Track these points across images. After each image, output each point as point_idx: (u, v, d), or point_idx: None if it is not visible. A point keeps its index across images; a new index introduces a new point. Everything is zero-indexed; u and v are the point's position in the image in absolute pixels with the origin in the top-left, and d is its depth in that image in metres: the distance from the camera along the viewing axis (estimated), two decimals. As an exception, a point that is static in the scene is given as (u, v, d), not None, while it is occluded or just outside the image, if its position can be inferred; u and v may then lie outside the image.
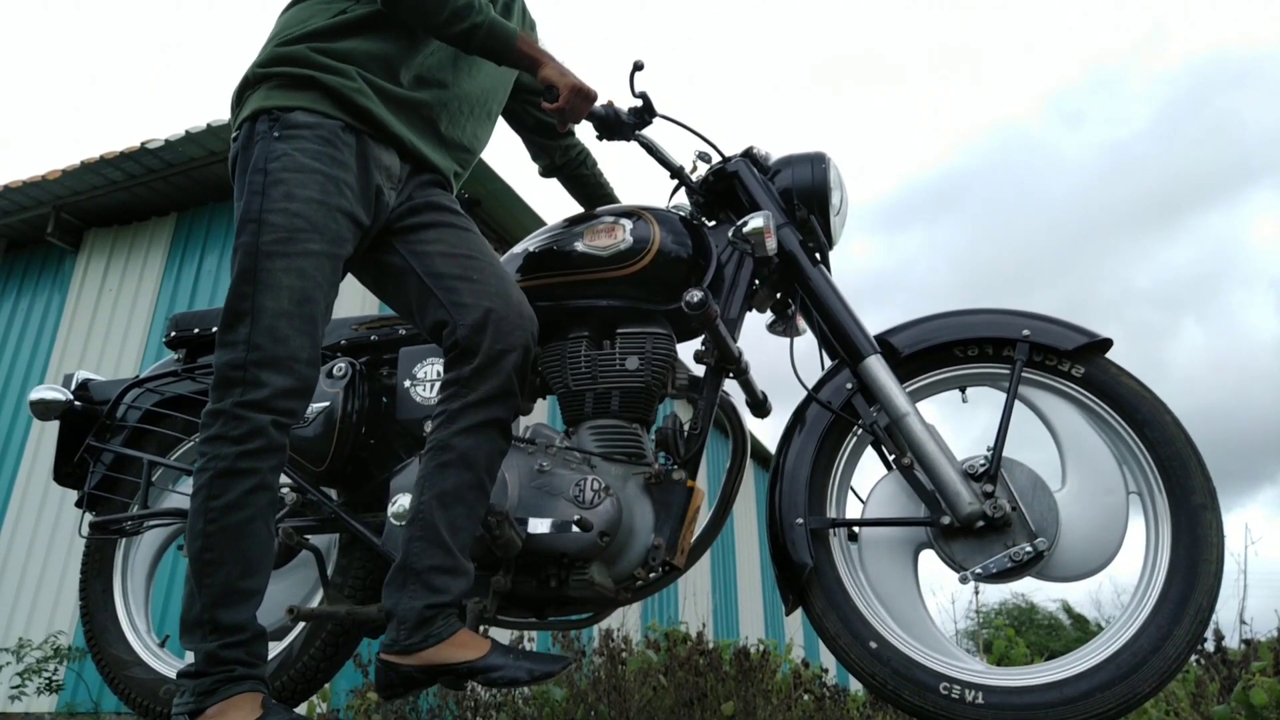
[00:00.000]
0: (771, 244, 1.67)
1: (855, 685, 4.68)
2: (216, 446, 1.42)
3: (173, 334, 2.17)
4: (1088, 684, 1.45)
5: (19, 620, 5.28)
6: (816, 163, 1.85)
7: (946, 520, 1.57)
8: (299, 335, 1.47)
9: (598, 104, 1.74)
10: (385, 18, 1.65)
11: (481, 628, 1.65)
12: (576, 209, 2.11)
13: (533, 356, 1.62)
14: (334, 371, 1.90)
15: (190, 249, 5.99)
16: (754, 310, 1.88)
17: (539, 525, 1.63)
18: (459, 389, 1.56)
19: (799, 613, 1.66)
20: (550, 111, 1.67)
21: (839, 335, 1.71)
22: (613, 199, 2.17)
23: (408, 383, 1.87)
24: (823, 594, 1.63)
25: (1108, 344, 1.62)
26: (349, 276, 1.69)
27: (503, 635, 4.48)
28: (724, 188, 1.88)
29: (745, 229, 1.66)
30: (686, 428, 1.73)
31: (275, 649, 1.97)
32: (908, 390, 1.67)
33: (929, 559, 1.64)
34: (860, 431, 1.73)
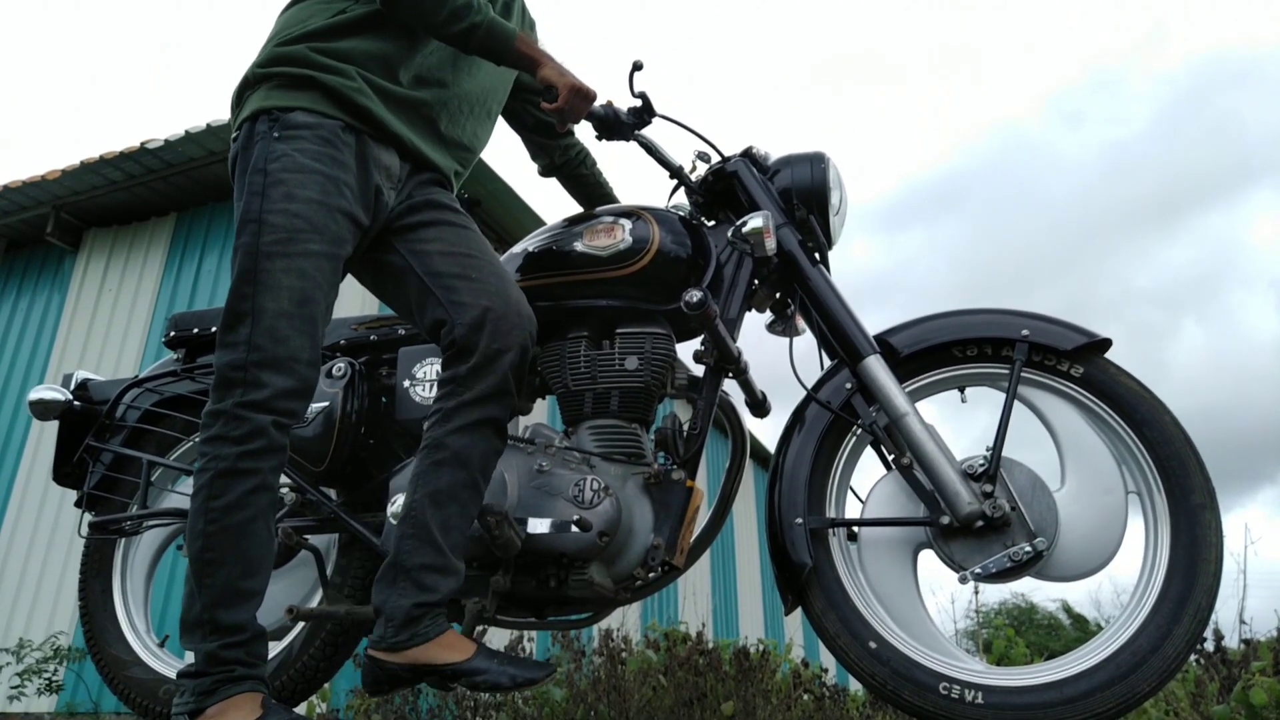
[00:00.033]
0: (771, 244, 1.67)
1: (855, 685, 4.67)
2: (217, 447, 1.42)
3: (172, 334, 2.17)
4: (1087, 684, 1.45)
5: (19, 620, 5.28)
6: (816, 163, 1.85)
7: (946, 520, 1.57)
8: (299, 336, 1.47)
9: (597, 104, 1.74)
10: (384, 17, 1.65)
11: (479, 628, 1.65)
12: (576, 209, 2.11)
13: (530, 356, 1.61)
14: (333, 371, 1.90)
15: (190, 249, 5.99)
16: (753, 310, 1.88)
17: (538, 525, 1.63)
18: (455, 387, 1.56)
19: (799, 613, 1.66)
20: (549, 112, 1.67)
21: (838, 335, 1.71)
22: (612, 199, 2.17)
23: (407, 383, 1.87)
24: (822, 594, 1.63)
25: (1107, 344, 1.62)
26: (349, 277, 1.69)
27: (503, 635, 4.48)
28: (723, 188, 1.88)
29: (744, 229, 1.66)
30: (686, 428, 1.73)
31: (275, 649, 1.98)
32: (907, 390, 1.67)
33: (928, 559, 1.65)
34: (859, 431, 1.73)
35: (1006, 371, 1.64)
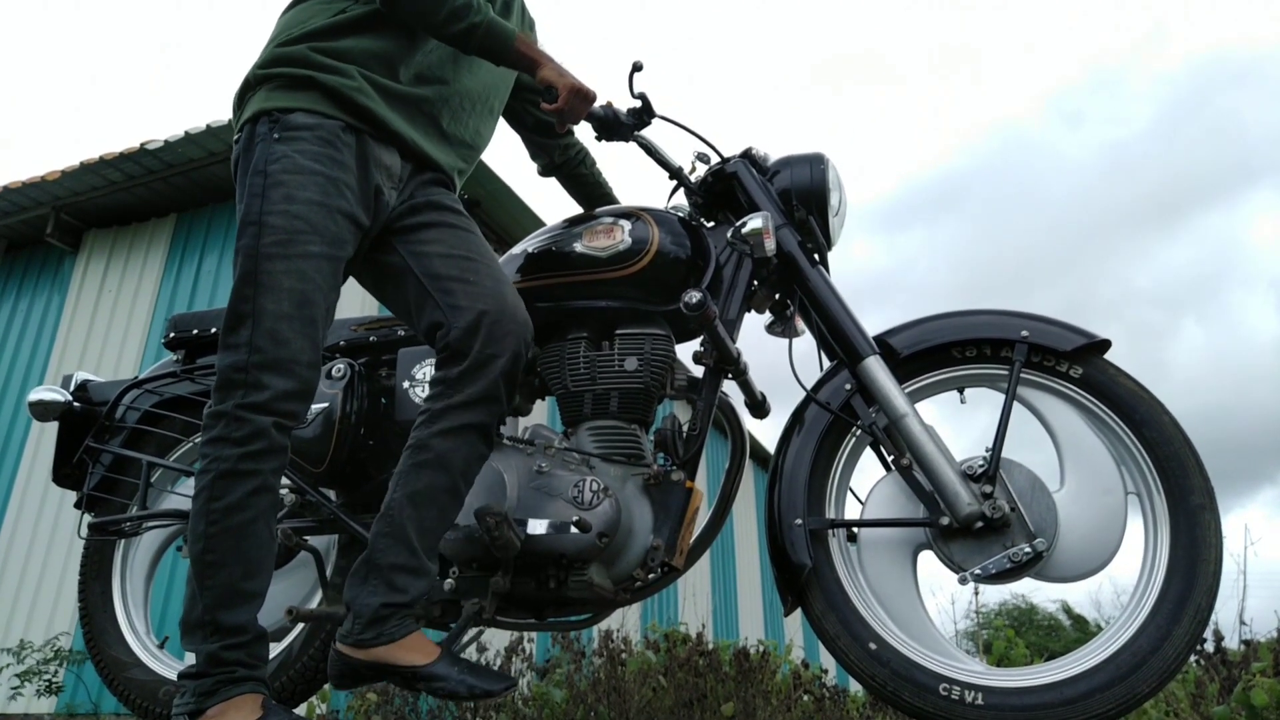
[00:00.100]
0: (770, 245, 1.67)
1: (855, 686, 4.67)
2: (218, 448, 1.42)
3: (172, 335, 2.17)
4: (1087, 685, 1.45)
5: (19, 621, 5.28)
6: (815, 163, 1.85)
7: (945, 521, 1.57)
8: (300, 338, 1.47)
9: (596, 105, 1.74)
10: (384, 16, 1.66)
11: (479, 629, 1.65)
12: (576, 209, 2.11)
13: (524, 362, 1.61)
14: (333, 373, 1.90)
15: (190, 250, 5.99)
16: (753, 311, 1.88)
17: (538, 526, 1.63)
18: (445, 389, 1.56)
19: (798, 613, 1.66)
20: (549, 112, 1.67)
21: (838, 336, 1.71)
22: (611, 199, 2.17)
23: (406, 384, 1.88)
24: (822, 595, 1.63)
25: (1106, 345, 1.62)
26: (349, 279, 1.69)
27: (503, 636, 4.48)
28: (723, 188, 1.88)
29: (744, 230, 1.66)
30: (685, 428, 1.73)
31: (275, 650, 1.98)
32: (906, 391, 1.67)
33: (928, 560, 1.65)
34: (859, 432, 1.73)
35: (1006, 372, 1.64)
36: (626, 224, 1.80)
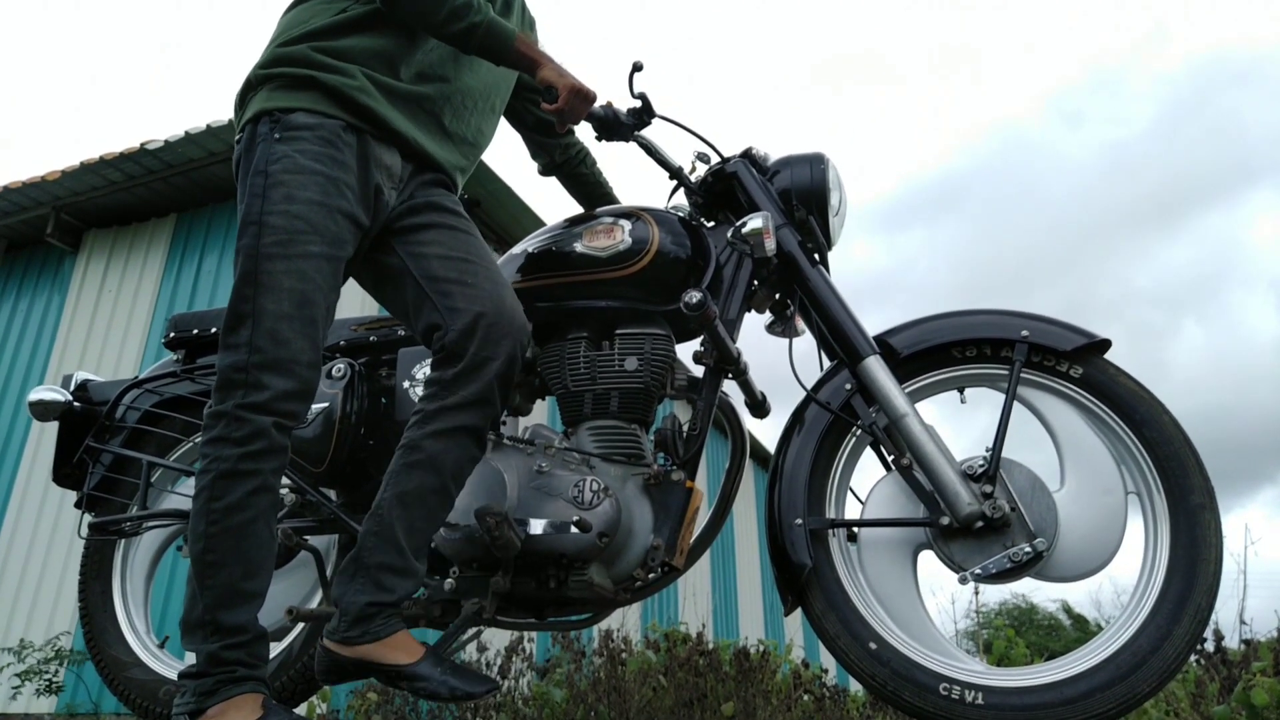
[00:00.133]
0: (770, 245, 1.67)
1: (855, 686, 4.68)
2: (219, 448, 1.42)
3: (172, 335, 2.17)
4: (1087, 684, 1.45)
5: (19, 621, 5.28)
6: (815, 163, 1.85)
7: (945, 521, 1.57)
8: (300, 338, 1.47)
9: (596, 105, 1.74)
10: (385, 15, 1.66)
11: (478, 629, 1.65)
12: (576, 209, 2.11)
13: (519, 366, 1.61)
14: (333, 372, 1.90)
15: (190, 250, 5.99)
16: (753, 311, 1.88)
17: (538, 526, 1.63)
18: (439, 390, 1.56)
19: (799, 613, 1.66)
20: (549, 112, 1.67)
21: (838, 336, 1.71)
22: (612, 198, 2.17)
23: (406, 383, 1.88)
24: (822, 594, 1.63)
25: (1106, 344, 1.62)
26: (349, 279, 1.69)
27: (503, 636, 4.48)
28: (723, 188, 1.88)
29: (744, 230, 1.66)
30: (685, 428, 1.73)
31: (275, 649, 1.98)
32: (907, 391, 1.67)
33: (928, 559, 1.65)
34: (859, 432, 1.73)
35: (1006, 372, 1.64)
36: (627, 224, 1.80)
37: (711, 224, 1.92)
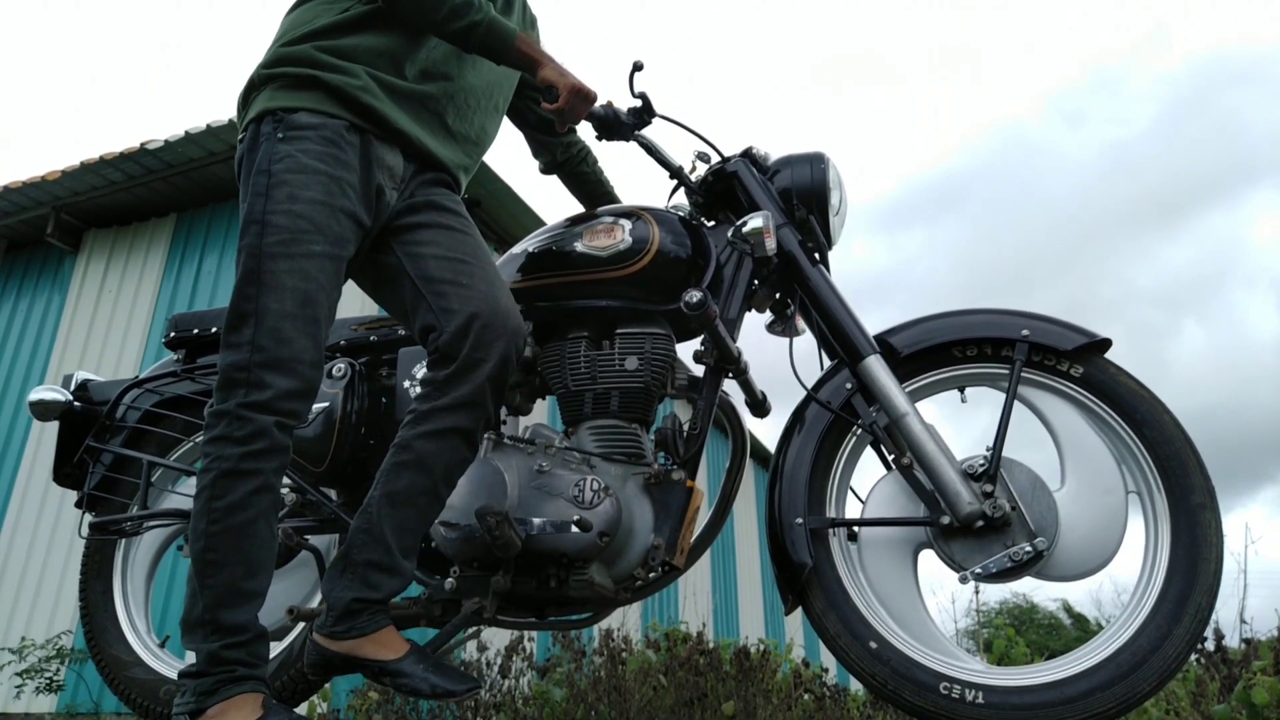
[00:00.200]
0: (771, 244, 1.67)
1: (855, 685, 4.68)
2: (220, 447, 1.42)
3: (172, 334, 2.17)
4: (1088, 683, 1.45)
5: (19, 620, 5.28)
6: (815, 163, 1.85)
7: (946, 520, 1.57)
8: (302, 337, 1.47)
9: (597, 104, 1.74)
10: (387, 14, 1.66)
11: (477, 628, 1.65)
12: (577, 208, 2.11)
13: (513, 367, 1.61)
14: (333, 372, 1.90)
15: (190, 250, 5.99)
16: (753, 310, 1.88)
17: (538, 525, 1.63)
18: (431, 391, 1.57)
19: (799, 612, 1.66)
20: (550, 112, 1.67)
21: (838, 335, 1.71)
22: (613, 197, 2.17)
23: (407, 383, 1.88)
24: (822, 594, 1.63)
25: (1107, 344, 1.62)
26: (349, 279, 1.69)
27: (503, 635, 4.48)
28: (723, 188, 1.88)
29: (744, 229, 1.66)
30: (686, 428, 1.73)
31: (275, 649, 1.98)
32: (907, 390, 1.67)
33: (929, 559, 1.65)
34: (860, 431, 1.73)
35: (1006, 371, 1.64)
36: (627, 223, 1.80)
37: (712, 223, 1.92)
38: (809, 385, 1.76)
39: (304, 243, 1.49)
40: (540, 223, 5.94)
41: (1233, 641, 2.87)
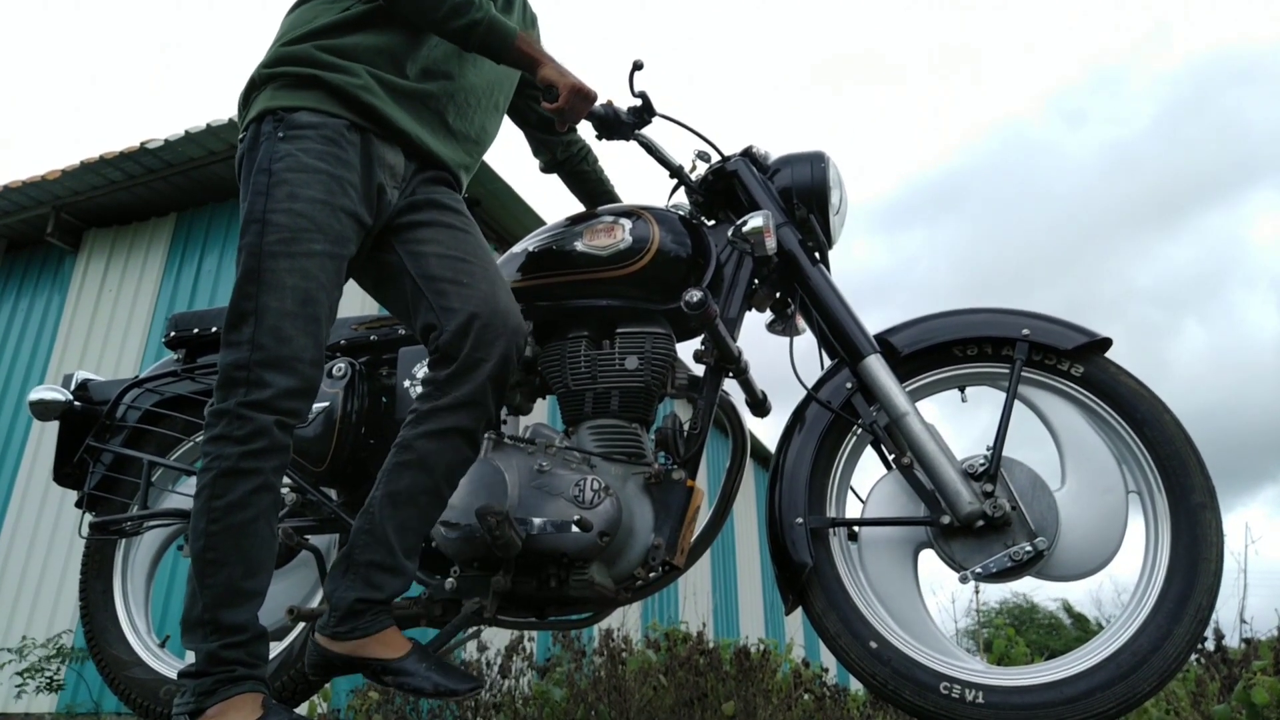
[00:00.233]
0: (771, 243, 1.66)
1: (855, 685, 4.68)
2: (220, 446, 1.42)
3: (172, 334, 2.17)
4: (1088, 683, 1.45)
5: (19, 620, 5.28)
6: (816, 162, 1.85)
7: (946, 520, 1.57)
8: (303, 335, 1.47)
9: (597, 104, 1.74)
10: (388, 12, 1.66)
11: (477, 628, 1.65)
12: (577, 208, 2.11)
13: (514, 367, 1.61)
14: (334, 371, 1.90)
15: (190, 249, 5.99)
16: (753, 310, 1.88)
17: (539, 525, 1.63)
18: (433, 390, 1.56)
19: (799, 612, 1.66)
20: (550, 111, 1.67)
21: (838, 335, 1.71)
22: (614, 196, 2.17)
23: (407, 382, 1.88)
24: (822, 593, 1.63)
25: (1107, 343, 1.62)
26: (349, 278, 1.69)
27: (503, 635, 4.48)
28: (723, 187, 1.88)
29: (745, 228, 1.66)
30: (686, 427, 1.73)
31: (276, 649, 1.98)
32: (907, 390, 1.67)
33: (929, 558, 1.64)
34: (860, 431, 1.72)
35: (1007, 371, 1.64)
36: (627, 223, 1.80)
37: (712, 223, 1.92)
38: (809, 385, 1.76)
39: (304, 241, 1.49)
40: (540, 222, 5.94)
41: (1233, 641, 2.88)
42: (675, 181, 1.94)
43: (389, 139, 1.64)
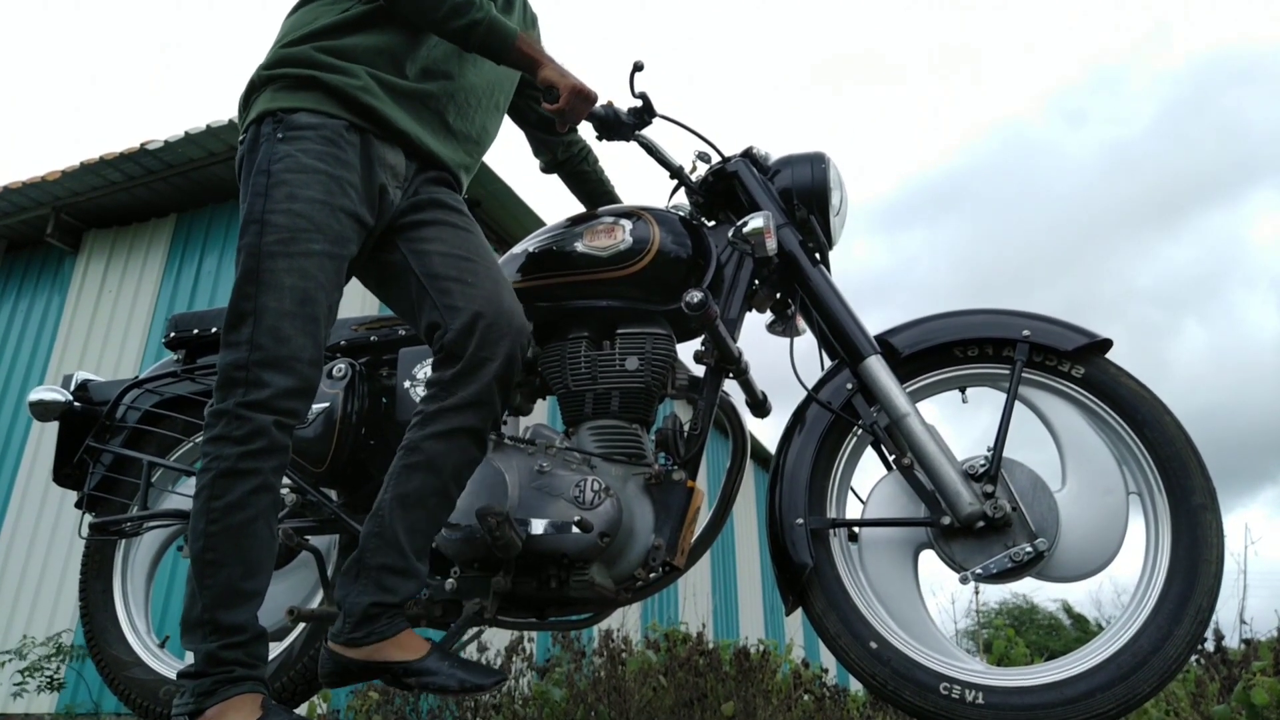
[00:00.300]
0: (771, 244, 1.66)
1: (855, 685, 4.68)
2: (219, 446, 1.42)
3: (172, 335, 2.17)
4: (1088, 684, 1.45)
5: (19, 620, 5.28)
6: (816, 163, 1.85)
7: (947, 520, 1.57)
8: (301, 335, 1.47)
9: (597, 104, 1.74)
10: (388, 13, 1.66)
11: (478, 629, 1.65)
12: (578, 209, 2.11)
13: (519, 366, 1.60)
14: (334, 372, 1.90)
15: (190, 250, 5.99)
16: (754, 310, 1.88)
17: (539, 526, 1.63)
18: (439, 391, 1.56)
19: (799, 613, 1.66)
20: (550, 112, 1.67)
21: (839, 335, 1.71)
22: (614, 196, 2.17)
23: (407, 383, 1.87)
24: (823, 594, 1.63)
25: (1108, 344, 1.62)
26: (352, 279, 1.69)
27: (503, 635, 4.48)
28: (724, 188, 1.88)
29: (745, 229, 1.66)
30: (686, 428, 1.73)
31: (275, 650, 1.98)
32: (908, 390, 1.67)
33: (929, 559, 1.64)
34: (860, 432, 1.72)
35: (1007, 372, 1.64)
36: (627, 223, 1.80)
37: (712, 223, 1.92)
38: (809, 385, 1.76)
39: (303, 241, 1.49)
40: (540, 223, 5.94)
41: (1232, 642, 2.88)
42: (675, 182, 1.94)
43: (389, 139, 1.64)
